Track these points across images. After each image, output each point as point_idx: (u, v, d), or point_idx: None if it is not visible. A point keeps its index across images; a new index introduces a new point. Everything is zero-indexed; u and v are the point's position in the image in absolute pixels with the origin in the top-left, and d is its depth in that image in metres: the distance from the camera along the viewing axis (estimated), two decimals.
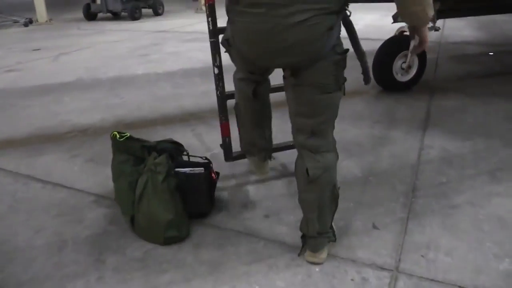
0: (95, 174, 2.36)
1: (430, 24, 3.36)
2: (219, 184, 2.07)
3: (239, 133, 2.16)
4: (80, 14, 9.94)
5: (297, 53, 1.32)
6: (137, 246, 1.75)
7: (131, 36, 7.27)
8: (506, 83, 3.74)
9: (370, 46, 3.22)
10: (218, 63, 2.00)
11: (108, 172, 1.99)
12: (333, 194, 1.56)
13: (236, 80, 1.96)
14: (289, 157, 2.23)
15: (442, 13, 3.41)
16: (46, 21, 9.64)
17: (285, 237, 1.77)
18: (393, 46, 3.41)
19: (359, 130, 2.82)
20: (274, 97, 2.08)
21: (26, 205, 2.10)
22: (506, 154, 2.41)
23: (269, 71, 1.87)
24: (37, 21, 9.61)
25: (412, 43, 3.24)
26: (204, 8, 2.72)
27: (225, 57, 1.97)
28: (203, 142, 2.73)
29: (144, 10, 9.81)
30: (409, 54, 3.32)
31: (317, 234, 1.58)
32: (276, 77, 1.85)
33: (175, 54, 5.55)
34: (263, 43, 1.33)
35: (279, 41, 1.30)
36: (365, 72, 1.53)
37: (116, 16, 9.99)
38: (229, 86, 2.10)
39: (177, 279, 1.57)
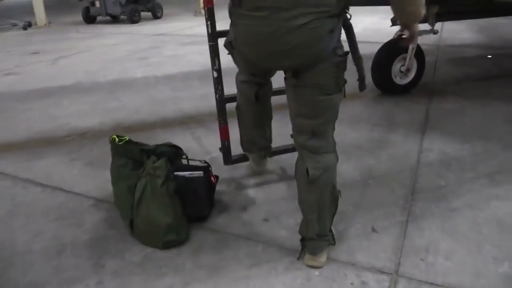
0: (94, 177, 2.36)
1: (428, 27, 3.38)
2: (218, 187, 2.07)
3: (240, 132, 2.17)
4: (79, 17, 9.94)
5: (299, 55, 1.35)
6: (136, 250, 1.75)
7: (130, 39, 7.27)
8: (504, 86, 3.74)
9: (369, 49, 3.24)
10: (217, 66, 2.00)
11: (107, 175, 1.99)
12: (332, 195, 1.57)
13: (239, 82, 1.97)
14: (288, 161, 2.23)
15: (440, 16, 3.42)
16: (45, 24, 9.64)
17: (284, 240, 1.77)
18: (392, 49, 3.41)
19: (358, 133, 2.83)
20: (274, 100, 2.09)
21: (25, 209, 2.10)
22: (505, 157, 2.42)
23: (271, 73, 1.90)
24: (36, 24, 9.61)
25: (411, 47, 3.27)
26: (203, 11, 2.72)
27: (224, 61, 1.98)
28: (202, 146, 2.73)
29: (143, 13, 9.81)
30: (408, 57, 3.33)
31: (316, 236, 1.58)
32: (277, 80, 1.86)
33: (174, 57, 5.55)
34: (266, 46, 1.36)
35: (281, 43, 1.32)
36: (360, 78, 1.55)
37: (115, 19, 10.00)
38: (228, 89, 2.11)
39: (176, 283, 1.57)
